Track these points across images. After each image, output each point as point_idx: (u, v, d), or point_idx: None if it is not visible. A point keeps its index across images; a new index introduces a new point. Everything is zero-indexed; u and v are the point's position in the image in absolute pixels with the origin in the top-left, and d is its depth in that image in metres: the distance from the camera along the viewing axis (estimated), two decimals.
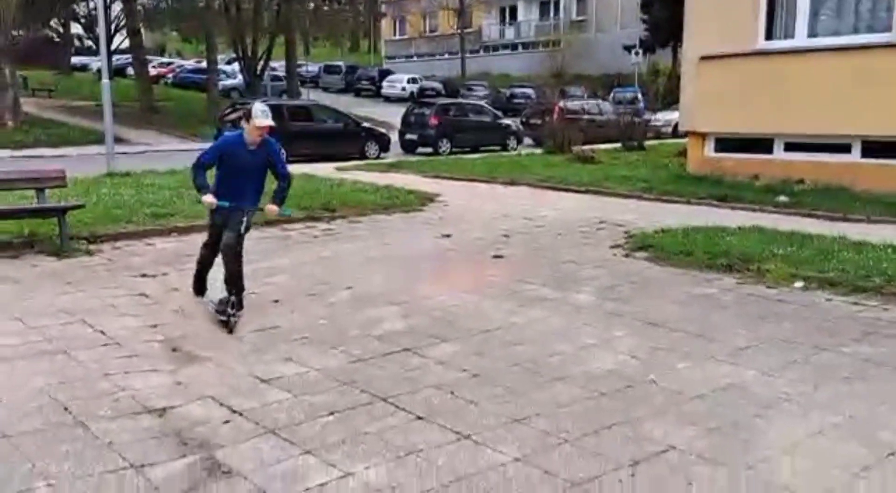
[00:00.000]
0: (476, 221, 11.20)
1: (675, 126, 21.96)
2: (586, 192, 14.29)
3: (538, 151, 23.33)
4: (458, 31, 57.57)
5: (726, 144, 14.36)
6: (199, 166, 6.23)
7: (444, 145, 24.22)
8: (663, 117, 29.28)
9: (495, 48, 61.54)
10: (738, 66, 13.54)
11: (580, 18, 55.41)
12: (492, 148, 25.11)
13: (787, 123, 12.98)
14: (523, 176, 16.41)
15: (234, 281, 6.12)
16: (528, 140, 26.60)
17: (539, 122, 25.55)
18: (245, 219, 6.23)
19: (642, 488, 3.66)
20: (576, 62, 49.09)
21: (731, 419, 4.40)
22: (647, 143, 23.85)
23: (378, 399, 4.63)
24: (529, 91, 40.19)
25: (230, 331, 5.89)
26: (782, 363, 5.28)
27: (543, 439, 4.14)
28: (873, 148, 12.29)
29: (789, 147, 13.41)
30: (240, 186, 6.24)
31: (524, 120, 28.35)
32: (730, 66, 13.64)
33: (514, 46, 60.14)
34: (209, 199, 6.10)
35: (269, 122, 6.05)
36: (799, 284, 7.24)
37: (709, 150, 14.60)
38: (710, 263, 8.03)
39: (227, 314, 5.98)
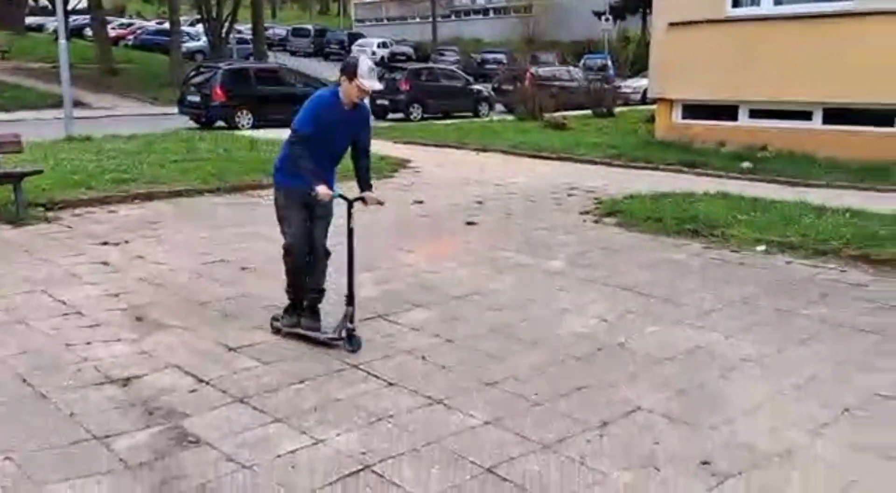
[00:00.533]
0: (448, 188, 11.20)
1: (644, 93, 22.01)
2: (557, 158, 14.34)
3: (510, 117, 23.28)
4: None
5: (694, 110, 14.46)
6: (302, 142, 4.73)
7: (416, 111, 24.06)
8: (632, 84, 29.33)
9: (467, 13, 60.96)
10: (705, 34, 13.59)
11: None
12: (463, 114, 24.99)
13: (751, 90, 13.09)
14: (495, 142, 16.41)
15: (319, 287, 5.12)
16: (499, 106, 26.52)
17: (511, 88, 25.43)
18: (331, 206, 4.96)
19: (610, 447, 3.75)
20: (547, 28, 48.84)
21: (696, 380, 4.52)
22: (617, 109, 23.95)
23: (350, 366, 4.67)
24: (501, 57, 39.96)
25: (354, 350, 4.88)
26: (745, 326, 5.41)
27: (515, 402, 4.21)
28: (834, 115, 12.45)
29: (754, 114, 13.56)
30: (322, 157, 4.81)
31: (496, 86, 28.21)
32: (697, 34, 13.68)
33: (485, 11, 59.61)
34: (324, 190, 4.64)
35: (378, 84, 4.84)
36: (761, 248, 7.39)
37: (676, 116, 14.70)
38: (677, 228, 8.16)
39: (348, 330, 4.88)
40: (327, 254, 5.09)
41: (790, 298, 6.01)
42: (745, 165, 12.20)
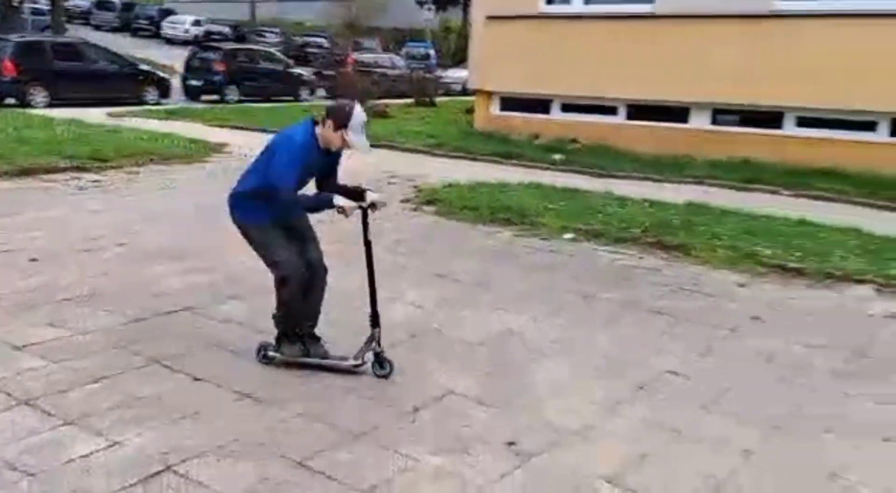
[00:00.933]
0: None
1: (465, 84, 22.55)
2: (379, 146, 14.30)
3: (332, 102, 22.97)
4: None
5: (511, 103, 14.94)
6: (295, 190, 4.24)
7: (232, 93, 23.22)
8: (454, 75, 29.86)
9: None
10: (520, 28, 14.08)
11: None
12: (284, 98, 24.42)
13: (563, 85, 13.73)
14: None
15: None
16: (322, 92, 26.14)
17: (332, 73, 25.14)
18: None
19: (421, 431, 3.80)
20: (369, 14, 48.62)
21: (506, 363, 4.67)
22: (439, 99, 24.31)
23: (153, 362, 4.41)
24: (323, 40, 39.34)
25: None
26: (553, 310, 5.66)
27: (329, 393, 4.16)
28: (637, 111, 13.33)
29: (566, 108, 14.22)
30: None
31: (318, 71, 27.77)
32: (513, 28, 14.14)
33: None
34: (347, 202, 4.22)
35: (368, 148, 4.36)
36: (569, 236, 7.77)
37: (495, 108, 15.14)
38: (492, 217, 8.40)
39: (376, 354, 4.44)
40: (325, 272, 4.59)
41: (594, 283, 6.36)
42: (557, 157, 12.78)
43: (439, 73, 28.50)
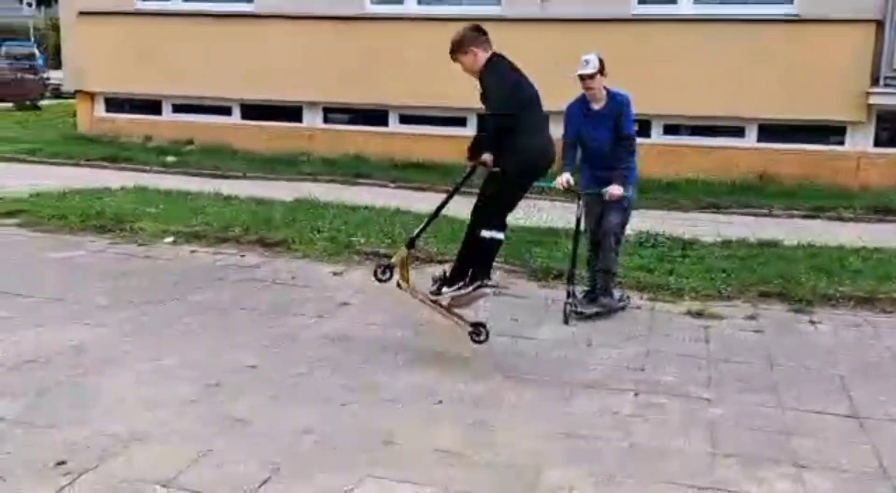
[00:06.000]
0: None
1: None
2: None
3: None
4: None
5: (118, 104, 14.06)
6: (563, 146, 5.75)
7: None
8: (62, 75, 27.26)
9: None
10: (118, 26, 13.29)
11: None
12: None
13: (172, 85, 13.23)
14: None
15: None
16: None
17: None
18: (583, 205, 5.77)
19: None
20: None
21: (67, 379, 4.32)
22: (46, 102, 22.07)
23: None
24: None
25: None
26: (135, 317, 5.39)
27: None
28: (251, 110, 13.30)
29: (178, 109, 13.72)
30: (596, 157, 5.75)
31: None
32: (110, 25, 13.30)
33: None
34: (559, 179, 5.71)
35: (583, 70, 5.55)
36: (169, 239, 7.49)
37: (100, 110, 14.10)
38: (83, 225, 7.81)
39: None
40: None
41: (183, 285, 6.17)
42: (170, 158, 12.30)
43: (46, 74, 25.86)
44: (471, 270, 4.78)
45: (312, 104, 13.05)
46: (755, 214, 9.85)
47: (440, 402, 4.28)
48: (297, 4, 12.39)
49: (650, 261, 7.09)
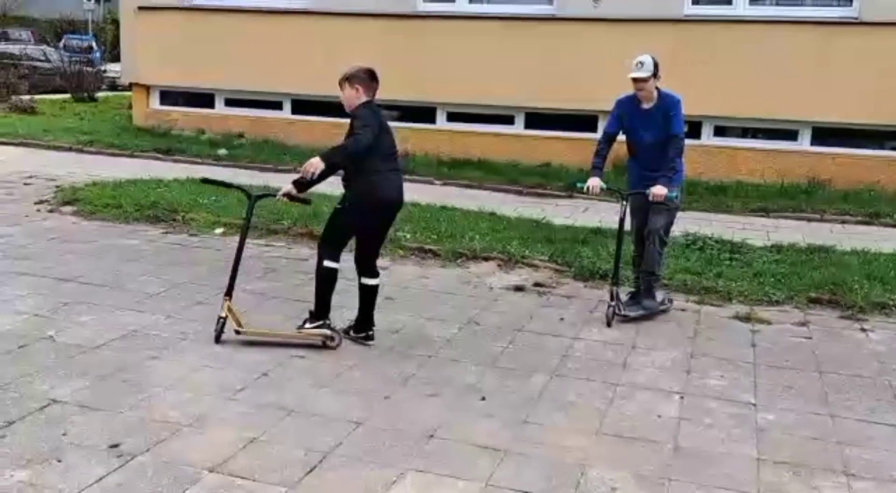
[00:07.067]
0: None
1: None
2: (20, 145, 12.96)
3: None
4: None
5: (172, 97, 14.34)
6: (601, 140, 5.82)
7: None
8: (120, 68, 27.88)
9: None
10: (175, 20, 13.54)
11: None
12: None
13: (225, 79, 13.44)
14: None
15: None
16: None
17: None
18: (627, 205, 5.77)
19: (12, 446, 3.48)
20: (19, 3, 43.74)
21: (123, 364, 4.44)
22: (102, 94, 22.58)
23: None
24: None
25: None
26: (186, 306, 5.51)
27: None
28: (302, 105, 13.47)
29: (230, 102, 13.94)
30: (642, 157, 5.72)
31: None
32: (168, 19, 13.56)
33: None
34: (592, 182, 5.67)
35: (637, 73, 5.48)
36: (219, 230, 7.63)
37: (154, 102, 14.40)
38: (137, 214, 7.98)
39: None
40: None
41: (239, 275, 6.26)
42: (222, 151, 12.49)
43: (104, 66, 26.47)
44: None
45: None
46: (807, 219, 9.66)
47: (483, 398, 4.30)
48: (350, 2, 12.50)
49: (697, 263, 7.02)
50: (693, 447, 3.84)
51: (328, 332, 4.92)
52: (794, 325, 5.78)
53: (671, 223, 5.85)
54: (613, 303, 5.60)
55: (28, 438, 3.58)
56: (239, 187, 5.51)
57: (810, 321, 5.86)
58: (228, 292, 4.94)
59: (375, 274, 5.10)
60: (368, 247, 5.09)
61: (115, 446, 3.55)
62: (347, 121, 4.91)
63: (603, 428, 4.00)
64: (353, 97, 4.91)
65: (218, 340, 4.85)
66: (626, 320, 5.64)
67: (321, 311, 4.96)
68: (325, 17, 12.73)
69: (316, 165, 4.57)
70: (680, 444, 3.87)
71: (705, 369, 4.87)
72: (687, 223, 8.52)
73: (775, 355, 5.14)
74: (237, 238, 7.33)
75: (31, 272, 6.05)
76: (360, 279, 5.08)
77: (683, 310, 6.03)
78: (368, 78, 4.93)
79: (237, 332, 4.90)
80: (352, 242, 5.11)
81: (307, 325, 4.98)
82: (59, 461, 3.40)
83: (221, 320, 4.87)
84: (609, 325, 5.53)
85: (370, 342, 5.04)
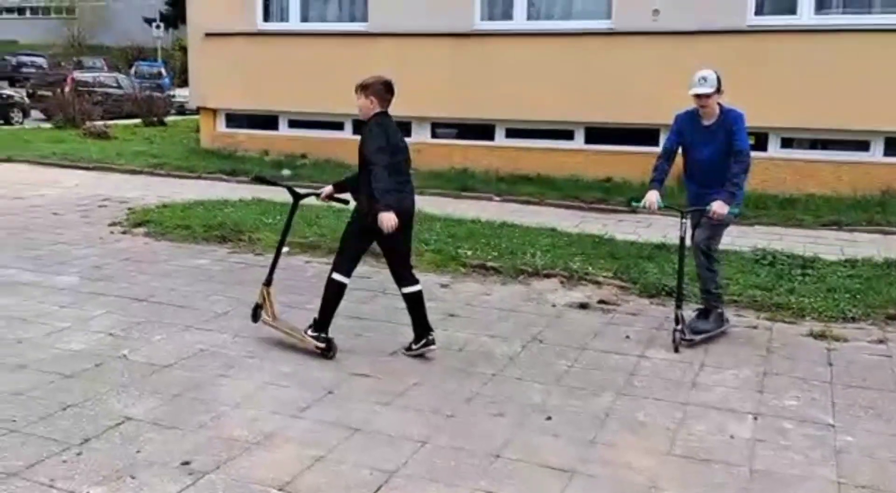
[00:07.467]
0: None
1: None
2: (94, 169, 13.44)
3: (47, 125, 21.20)
4: None
5: (237, 119, 14.69)
6: (660, 156, 5.66)
7: None
8: (187, 93, 28.75)
9: None
10: (240, 45, 13.89)
11: None
12: None
13: (288, 101, 13.72)
14: (24, 153, 14.79)
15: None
16: (38, 114, 23.98)
17: (49, 93, 23.15)
18: (687, 223, 5.51)
19: (88, 464, 3.57)
20: (93, 32, 45.66)
21: (193, 383, 4.53)
22: (170, 119, 23.32)
23: None
24: (41, 60, 36.21)
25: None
26: (252, 324, 5.58)
27: None
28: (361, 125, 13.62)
29: (293, 124, 14.21)
30: (700, 173, 5.56)
31: (31, 92, 25.45)
32: (233, 45, 13.92)
33: (21, 10, 53.73)
34: (649, 198, 5.46)
35: (700, 89, 5.31)
36: (285, 250, 7.72)
37: (220, 125, 14.78)
38: (206, 235, 8.18)
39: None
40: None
41: (300, 294, 6.36)
42: (286, 172, 12.72)
43: (172, 92, 27.35)
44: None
45: (421, 119, 13.26)
46: (882, 232, 9.33)
47: (549, 418, 4.24)
48: (408, 22, 12.64)
49: (768, 279, 6.83)
50: (769, 470, 3.72)
51: (321, 344, 4.99)
52: (872, 342, 5.57)
53: (714, 237, 5.56)
54: (679, 327, 5.38)
55: (104, 455, 3.67)
56: (287, 187, 5.70)
57: (889, 339, 5.64)
58: (267, 282, 5.30)
59: (414, 281, 5.13)
60: (394, 259, 5.13)
61: (187, 463, 3.62)
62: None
63: (673, 449, 3.91)
64: (366, 107, 5.02)
65: (255, 320, 5.33)
66: (692, 344, 5.41)
67: (323, 323, 5.02)
68: (384, 37, 12.89)
69: (390, 218, 4.67)
70: (755, 466, 3.75)
71: (779, 388, 4.72)
72: (756, 238, 8.33)
73: (853, 375, 4.96)
74: (302, 258, 7.58)
75: (106, 292, 6.24)
76: (401, 291, 5.11)
77: (754, 327, 5.87)
78: (384, 90, 5.00)
79: (264, 321, 5.27)
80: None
81: (309, 331, 5.08)
82: (133, 477, 3.47)
83: (258, 306, 5.28)
84: (676, 351, 5.31)
85: (433, 347, 5.05)
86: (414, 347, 5.08)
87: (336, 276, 5.02)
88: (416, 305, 5.08)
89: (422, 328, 5.08)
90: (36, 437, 3.80)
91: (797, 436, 4.08)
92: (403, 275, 5.11)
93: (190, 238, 8.15)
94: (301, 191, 5.54)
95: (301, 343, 5.09)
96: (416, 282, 5.12)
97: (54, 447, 3.71)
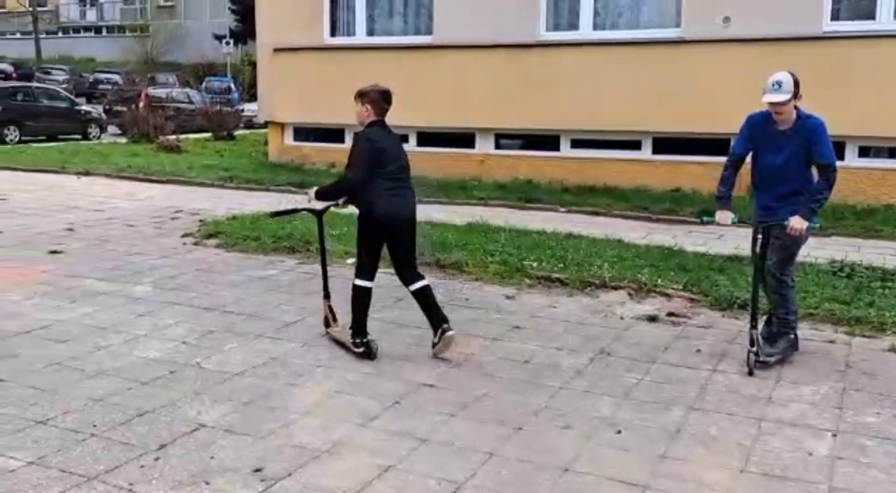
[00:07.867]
0: (37, 215, 10.22)
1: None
2: (168, 182, 13.87)
3: (123, 140, 22.01)
4: (31, 9, 51.65)
5: (305, 133, 14.97)
6: (727, 164, 5.28)
7: (12, 133, 21.61)
8: (255, 107, 29.44)
9: (77, 30, 56.58)
10: (308, 59, 14.17)
11: (168, 4, 53.68)
12: (72, 137, 23.04)
13: (355, 115, 13.84)
14: (101, 166, 15.38)
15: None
16: (114, 129, 24.90)
17: (124, 109, 24.04)
18: (763, 237, 5.14)
19: (164, 469, 3.66)
20: (166, 49, 47.23)
21: (264, 390, 4.61)
22: (240, 133, 23.90)
23: None
24: (117, 77, 37.60)
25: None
26: (321, 333, 5.66)
27: (66, 437, 3.94)
28: (426, 138, 13.71)
29: None
30: (770, 181, 5.15)
31: (107, 107, 26.46)
32: (301, 59, 14.21)
33: (97, 29, 55.97)
34: (721, 216, 5.24)
35: (775, 96, 4.91)
36: (351, 260, 7.81)
37: (288, 139, 15.08)
38: (274, 246, 8.34)
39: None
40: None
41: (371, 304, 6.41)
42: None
43: (241, 106, 28.04)
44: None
45: (485, 130, 13.29)
46: None
47: (619, 432, 4.18)
48: (473, 34, 12.71)
49: (846, 292, 6.60)
50: (848, 488, 3.59)
51: (359, 349, 5.15)
52: None
53: (787, 260, 5.18)
54: (754, 348, 5.06)
55: (179, 460, 3.76)
56: (303, 209, 5.87)
57: None
58: (326, 296, 5.63)
59: (419, 277, 5.27)
60: (396, 260, 5.27)
61: (259, 470, 3.68)
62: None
63: (748, 465, 3.80)
64: (362, 115, 5.14)
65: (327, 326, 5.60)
66: (766, 366, 5.12)
67: (358, 329, 5.18)
68: (449, 50, 12.99)
69: (310, 195, 5.31)
70: (834, 484, 3.62)
71: (859, 405, 4.55)
72: (833, 249, 8.07)
73: None
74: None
75: (180, 302, 6.41)
76: (409, 290, 5.27)
77: (832, 342, 5.67)
78: (381, 98, 5.08)
79: (329, 332, 5.54)
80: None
81: (348, 336, 5.29)
82: (208, 483, 3.55)
83: (326, 318, 5.58)
84: (751, 373, 5.01)
85: (451, 333, 5.15)
86: (435, 341, 5.18)
87: (359, 281, 5.18)
88: (424, 299, 5.22)
89: (436, 320, 5.19)
90: (115, 442, 3.92)
91: (878, 454, 3.93)
92: (406, 275, 5.27)
93: (259, 249, 8.32)
94: (318, 206, 5.65)
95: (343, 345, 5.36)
96: (421, 278, 5.27)
97: (132, 453, 3.81)
